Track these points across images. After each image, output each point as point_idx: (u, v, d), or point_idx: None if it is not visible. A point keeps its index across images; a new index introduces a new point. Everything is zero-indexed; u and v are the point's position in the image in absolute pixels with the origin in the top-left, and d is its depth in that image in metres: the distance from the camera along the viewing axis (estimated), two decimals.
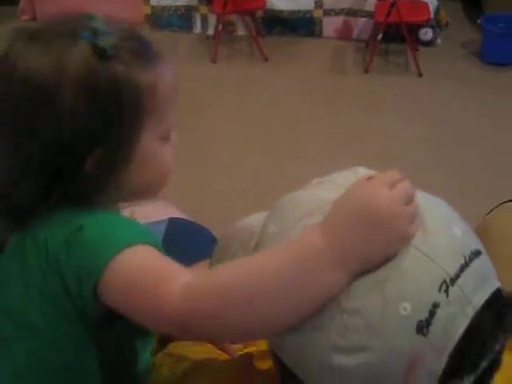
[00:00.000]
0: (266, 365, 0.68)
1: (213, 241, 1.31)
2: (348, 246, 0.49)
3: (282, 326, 0.51)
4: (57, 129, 0.61)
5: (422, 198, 0.54)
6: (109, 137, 0.63)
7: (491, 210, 1.14)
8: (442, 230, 0.53)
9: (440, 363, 0.49)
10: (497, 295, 0.52)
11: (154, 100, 0.65)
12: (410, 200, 0.50)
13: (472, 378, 0.50)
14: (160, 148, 0.69)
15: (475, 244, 0.54)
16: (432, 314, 0.48)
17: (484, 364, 0.51)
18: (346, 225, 0.49)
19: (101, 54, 0.62)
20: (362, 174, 0.56)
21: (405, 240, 0.50)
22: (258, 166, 2.65)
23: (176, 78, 0.70)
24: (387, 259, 0.49)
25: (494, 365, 0.53)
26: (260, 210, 0.67)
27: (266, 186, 2.48)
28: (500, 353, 0.52)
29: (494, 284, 0.53)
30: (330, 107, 3.05)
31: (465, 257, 0.51)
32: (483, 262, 0.53)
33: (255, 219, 0.64)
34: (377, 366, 0.49)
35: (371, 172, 0.57)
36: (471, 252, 0.52)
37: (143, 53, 0.66)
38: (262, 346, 0.64)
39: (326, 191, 0.55)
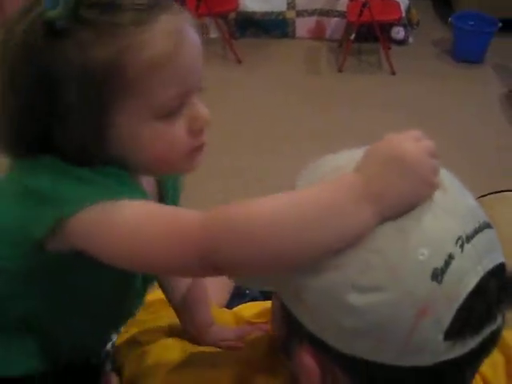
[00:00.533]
0: None
1: None
2: (380, 186, 0.51)
3: (315, 254, 0.51)
4: (13, 103, 0.60)
5: (445, 173, 0.57)
6: (67, 120, 0.58)
7: None
8: (459, 195, 0.56)
9: (448, 314, 0.50)
10: (501, 269, 0.55)
11: (125, 77, 0.57)
12: (433, 155, 0.53)
13: (475, 340, 0.52)
14: (150, 129, 0.61)
15: (486, 218, 0.56)
16: (447, 263, 0.50)
17: (487, 330, 0.52)
18: (377, 169, 0.51)
19: (48, 28, 0.56)
20: None
21: (429, 188, 0.52)
22: (235, 167, 2.64)
23: (187, 39, 0.60)
24: (412, 206, 0.51)
25: (495, 337, 0.54)
26: None
27: (245, 186, 2.48)
28: (500, 327, 0.55)
29: (501, 257, 0.55)
30: (306, 107, 3.07)
31: (479, 222, 0.54)
32: (493, 234, 0.56)
33: None
34: (389, 307, 0.50)
35: None
36: (484, 221, 0.55)
37: (110, 21, 0.57)
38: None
39: (352, 153, 0.57)
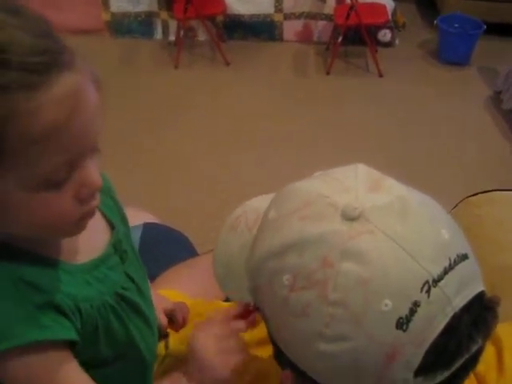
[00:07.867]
0: (261, 351, 0.72)
1: (186, 243, 1.32)
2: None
3: None
4: None
5: (415, 200, 0.55)
6: None
7: (456, 205, 1.17)
8: (429, 232, 0.53)
9: (417, 357, 0.51)
10: (479, 299, 0.53)
11: (3, 145, 0.52)
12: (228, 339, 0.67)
13: (446, 373, 0.52)
14: (34, 198, 0.56)
15: (463, 247, 0.55)
16: (412, 311, 0.50)
17: (459, 362, 0.53)
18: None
19: None
20: (361, 171, 0.59)
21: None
22: (222, 170, 2.65)
23: (82, 103, 0.55)
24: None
25: (470, 364, 0.54)
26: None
27: (234, 188, 2.49)
28: (477, 354, 0.54)
29: (477, 288, 0.54)
30: (294, 109, 3.08)
31: (450, 259, 0.52)
32: (469, 265, 0.54)
33: (263, 201, 0.64)
34: (358, 354, 0.51)
35: (370, 170, 0.60)
36: (457, 255, 0.53)
37: None
38: (260, 333, 0.66)
39: (323, 184, 0.58)
